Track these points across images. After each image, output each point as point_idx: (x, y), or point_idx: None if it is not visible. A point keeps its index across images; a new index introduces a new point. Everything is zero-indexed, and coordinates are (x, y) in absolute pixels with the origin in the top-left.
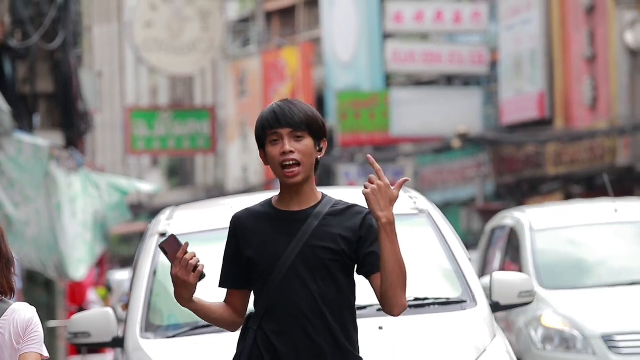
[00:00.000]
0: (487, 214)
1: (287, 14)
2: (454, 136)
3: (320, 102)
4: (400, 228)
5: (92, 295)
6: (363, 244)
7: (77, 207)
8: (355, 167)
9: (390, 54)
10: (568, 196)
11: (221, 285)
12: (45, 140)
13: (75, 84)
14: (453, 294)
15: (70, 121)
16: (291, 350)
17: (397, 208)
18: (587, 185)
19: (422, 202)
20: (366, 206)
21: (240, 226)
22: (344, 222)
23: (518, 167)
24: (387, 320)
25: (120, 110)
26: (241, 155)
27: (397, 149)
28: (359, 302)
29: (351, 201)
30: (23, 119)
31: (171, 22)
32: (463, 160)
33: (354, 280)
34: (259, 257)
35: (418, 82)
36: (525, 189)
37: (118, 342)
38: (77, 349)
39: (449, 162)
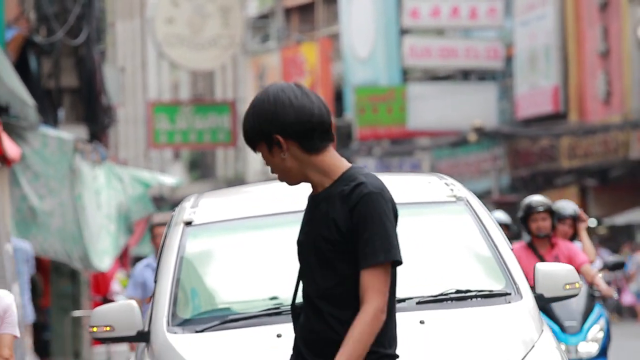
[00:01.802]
0: (503, 207)
1: (306, 10)
2: (469, 130)
3: (338, 97)
4: (438, 216)
5: (116, 285)
6: (356, 233)
7: (102, 199)
8: (373, 160)
9: (407, 50)
10: (582, 189)
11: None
12: (70, 134)
13: (98, 79)
14: (496, 286)
15: (94, 115)
16: (301, 342)
17: (434, 195)
18: (601, 178)
19: (460, 189)
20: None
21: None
22: (344, 203)
23: (533, 160)
24: (428, 314)
25: (142, 104)
26: None
27: (414, 143)
28: (397, 294)
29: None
30: (48, 113)
31: (192, 19)
32: (479, 154)
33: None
34: (298, 244)
35: (434, 76)
36: (540, 181)
37: (143, 337)
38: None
39: (465, 156)
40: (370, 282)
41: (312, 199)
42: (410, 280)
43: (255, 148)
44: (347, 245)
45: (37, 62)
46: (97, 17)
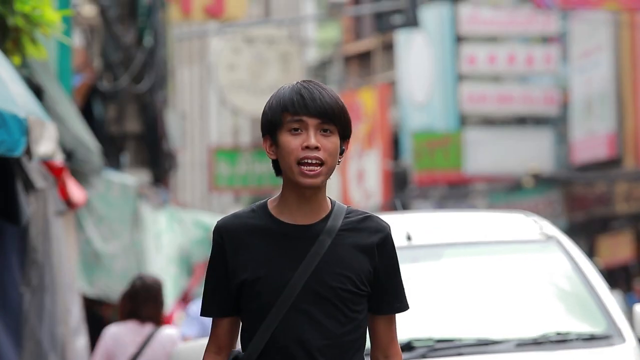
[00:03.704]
0: None
1: (364, 57)
2: (526, 175)
3: (395, 142)
4: (530, 255)
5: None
6: (378, 275)
7: (162, 242)
8: (429, 203)
9: (464, 95)
10: (637, 233)
11: (205, 313)
12: (133, 177)
13: (161, 124)
14: (597, 328)
15: (157, 160)
16: None
17: (525, 234)
18: None
19: (549, 227)
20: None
21: (230, 239)
22: (360, 240)
23: (589, 205)
24: (529, 356)
25: (203, 149)
26: None
27: (471, 188)
28: (493, 335)
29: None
30: (112, 157)
31: (253, 65)
32: (535, 198)
33: (367, 316)
34: (260, 285)
35: (491, 122)
36: (596, 226)
37: None
38: None
39: (521, 200)
40: (395, 331)
41: (296, 230)
42: (508, 321)
43: (331, 127)
44: (364, 285)
45: (102, 108)
46: (160, 65)
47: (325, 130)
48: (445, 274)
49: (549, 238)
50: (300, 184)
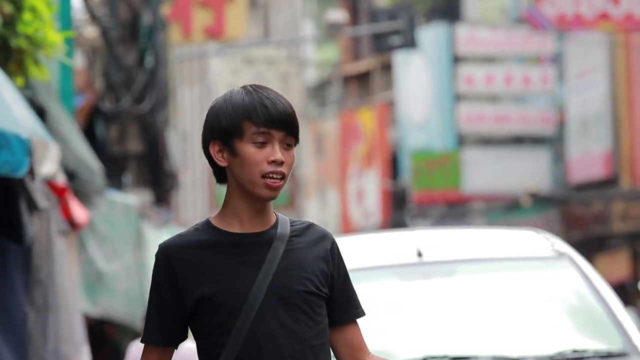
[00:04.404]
0: None
1: (363, 77)
2: (523, 194)
3: (394, 161)
4: (543, 272)
5: None
6: (336, 281)
7: None
8: (428, 222)
9: (462, 115)
10: (634, 252)
11: (148, 341)
12: (136, 197)
13: (162, 144)
14: (613, 345)
15: (158, 179)
16: None
17: (536, 251)
18: None
19: (560, 244)
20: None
21: (179, 259)
22: (311, 246)
23: (586, 224)
24: None
25: (204, 168)
26: (319, 212)
27: (469, 207)
28: (510, 353)
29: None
30: (114, 177)
31: None
32: (532, 217)
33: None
34: (220, 297)
35: (488, 141)
36: (592, 245)
37: None
38: None
39: (519, 219)
40: (362, 337)
41: (247, 238)
42: (524, 339)
43: (291, 140)
44: (324, 289)
45: (104, 128)
46: (161, 85)
47: (288, 144)
48: (458, 290)
49: (561, 255)
50: (260, 196)
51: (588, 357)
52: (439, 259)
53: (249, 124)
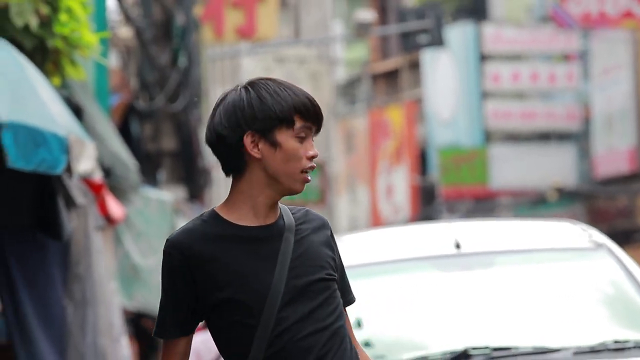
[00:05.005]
0: None
1: (391, 75)
2: (549, 189)
3: (423, 157)
4: (582, 262)
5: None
6: (337, 266)
7: None
8: (456, 217)
9: (489, 112)
10: None
11: (164, 334)
12: (170, 194)
13: (195, 142)
14: None
15: (192, 176)
16: None
17: (574, 242)
18: None
19: (598, 235)
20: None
21: (192, 255)
22: (315, 232)
23: (611, 218)
24: None
25: None
26: (349, 207)
27: (496, 202)
28: (550, 344)
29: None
30: (149, 174)
31: None
32: (558, 212)
33: None
34: (241, 294)
35: (515, 138)
36: (618, 239)
37: None
38: None
39: (545, 214)
40: (350, 323)
41: (260, 231)
42: (564, 329)
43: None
44: (335, 276)
45: (139, 126)
46: (194, 84)
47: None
48: (497, 281)
49: (599, 246)
50: (296, 191)
51: (630, 348)
52: (477, 250)
53: (298, 118)
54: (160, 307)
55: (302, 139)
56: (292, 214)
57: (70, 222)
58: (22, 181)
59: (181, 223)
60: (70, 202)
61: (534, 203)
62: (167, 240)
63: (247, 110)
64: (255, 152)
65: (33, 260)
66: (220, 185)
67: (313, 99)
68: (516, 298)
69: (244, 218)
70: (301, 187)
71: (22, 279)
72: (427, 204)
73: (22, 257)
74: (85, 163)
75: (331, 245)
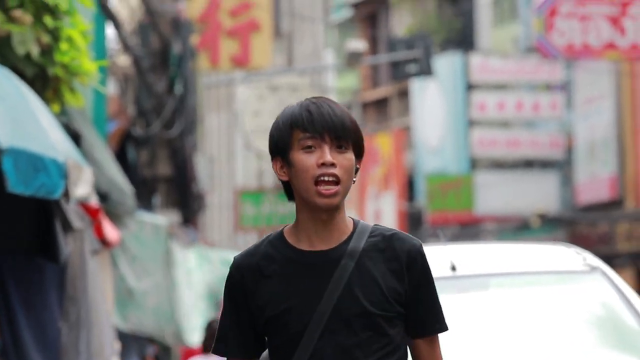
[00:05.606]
0: None
1: (381, 104)
2: (533, 215)
3: (410, 184)
4: (577, 286)
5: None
6: (411, 295)
7: (193, 279)
8: (442, 242)
9: (475, 140)
10: (639, 271)
11: (222, 351)
12: (164, 218)
13: (190, 167)
14: None
15: (186, 201)
16: None
17: (569, 264)
18: None
19: (592, 258)
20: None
21: (251, 276)
22: (384, 260)
23: (592, 244)
24: None
25: (230, 191)
26: None
27: (481, 227)
28: None
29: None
30: (144, 199)
31: (277, 111)
32: (541, 238)
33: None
34: (286, 317)
35: (500, 165)
36: None
37: None
38: None
39: (529, 239)
40: (439, 353)
41: (316, 256)
42: (560, 353)
43: (345, 143)
44: (397, 305)
45: (135, 152)
46: (189, 111)
47: (340, 147)
48: (492, 304)
49: (594, 269)
50: (317, 205)
51: None
52: (473, 273)
53: (297, 131)
54: (219, 325)
55: (310, 149)
56: (371, 236)
57: (67, 245)
58: (21, 205)
59: (175, 247)
60: (67, 226)
61: (517, 229)
62: (234, 258)
63: (270, 138)
64: (282, 176)
65: (31, 283)
66: (213, 211)
67: (317, 109)
68: (511, 320)
69: (300, 241)
70: (320, 200)
71: (20, 302)
72: (414, 230)
73: (20, 280)
74: (83, 188)
75: (402, 274)
